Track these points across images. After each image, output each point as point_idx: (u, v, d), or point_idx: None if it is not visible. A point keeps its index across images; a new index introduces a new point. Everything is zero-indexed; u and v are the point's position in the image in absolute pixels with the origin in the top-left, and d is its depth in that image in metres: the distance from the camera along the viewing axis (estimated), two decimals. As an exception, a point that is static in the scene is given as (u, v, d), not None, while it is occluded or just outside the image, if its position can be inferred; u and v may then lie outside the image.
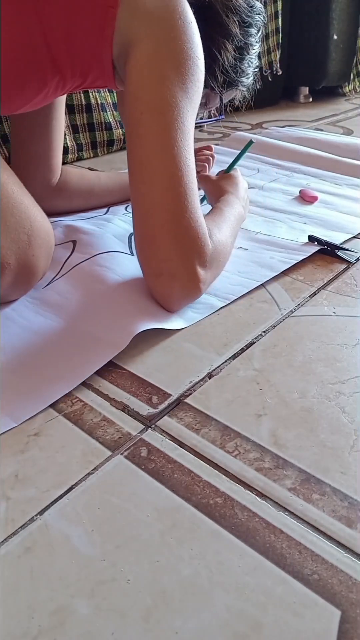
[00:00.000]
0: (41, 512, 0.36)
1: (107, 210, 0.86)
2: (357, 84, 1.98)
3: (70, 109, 1.15)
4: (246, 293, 0.62)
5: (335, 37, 1.71)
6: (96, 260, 0.66)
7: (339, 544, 0.33)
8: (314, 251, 0.71)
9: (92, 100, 1.17)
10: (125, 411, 0.45)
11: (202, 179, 0.79)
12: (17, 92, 0.56)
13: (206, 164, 0.92)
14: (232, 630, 0.29)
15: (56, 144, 0.77)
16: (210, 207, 0.72)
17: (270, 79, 1.65)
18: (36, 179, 0.77)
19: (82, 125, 1.18)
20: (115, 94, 1.24)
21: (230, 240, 0.64)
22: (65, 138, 1.14)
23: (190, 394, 0.47)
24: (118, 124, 1.23)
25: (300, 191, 0.94)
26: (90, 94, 1.17)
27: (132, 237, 0.75)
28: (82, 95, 1.15)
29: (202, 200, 0.84)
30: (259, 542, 0.34)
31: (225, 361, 0.51)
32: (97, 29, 0.53)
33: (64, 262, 0.67)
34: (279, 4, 1.58)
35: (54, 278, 0.64)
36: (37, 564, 0.33)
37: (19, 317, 0.57)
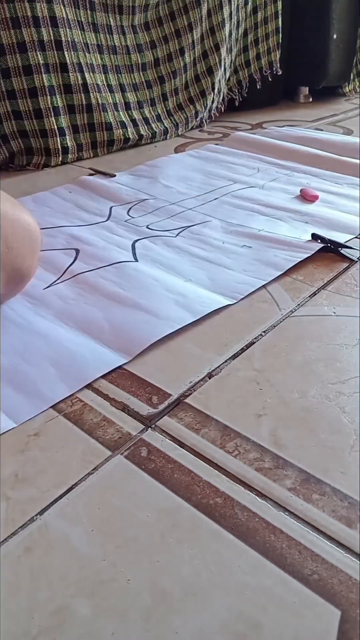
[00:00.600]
0: (41, 512, 0.36)
1: (109, 216, 0.86)
2: (357, 84, 1.98)
3: (70, 108, 1.15)
4: (246, 295, 0.62)
5: (335, 37, 1.71)
6: (100, 272, 0.66)
7: (339, 544, 0.33)
8: (317, 249, 0.71)
9: (93, 101, 1.17)
10: (125, 411, 0.45)
11: None
12: None
13: None
14: (232, 630, 0.29)
15: None
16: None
17: (270, 79, 1.65)
18: None
19: (82, 125, 1.18)
20: (115, 94, 1.24)
21: None
22: (65, 138, 1.15)
23: (190, 394, 0.47)
24: (118, 124, 1.23)
25: (301, 190, 0.94)
26: (91, 94, 1.17)
27: (136, 242, 0.75)
28: (82, 95, 1.15)
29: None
30: (259, 542, 0.34)
31: (225, 361, 0.51)
32: None
33: (66, 268, 0.67)
34: (279, 4, 1.58)
35: (54, 281, 0.64)
36: (37, 564, 0.33)
37: (18, 318, 0.57)
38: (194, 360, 0.51)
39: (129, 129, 1.25)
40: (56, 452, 0.41)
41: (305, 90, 1.86)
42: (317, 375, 0.48)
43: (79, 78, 1.15)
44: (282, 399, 0.46)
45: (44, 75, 1.09)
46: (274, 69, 1.65)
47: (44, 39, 1.07)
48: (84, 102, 1.16)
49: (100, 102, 1.19)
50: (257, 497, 0.37)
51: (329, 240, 0.72)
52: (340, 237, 0.75)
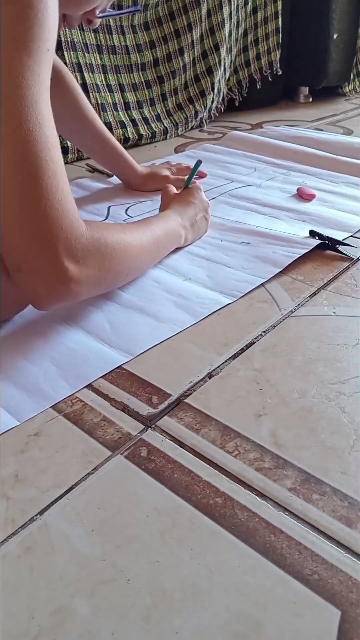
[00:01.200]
0: (41, 512, 0.36)
1: (107, 215, 0.86)
2: (357, 84, 1.98)
3: (70, 109, 1.15)
4: (246, 293, 0.62)
5: (335, 37, 1.71)
6: None
7: (339, 544, 0.33)
8: (316, 244, 0.71)
9: (93, 100, 1.17)
10: (125, 411, 0.45)
11: (163, 190, 0.76)
12: None
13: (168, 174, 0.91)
14: (232, 630, 0.29)
15: None
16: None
17: (270, 79, 1.65)
18: None
19: (82, 125, 1.18)
20: (115, 94, 1.24)
21: (136, 250, 0.57)
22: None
23: (190, 394, 0.47)
24: (118, 124, 1.23)
25: (297, 189, 0.94)
26: (91, 94, 1.17)
27: None
28: (82, 95, 1.15)
29: None
30: (259, 542, 0.34)
31: (225, 361, 0.51)
32: None
33: None
34: (279, 4, 1.58)
35: None
36: (37, 564, 0.33)
37: (20, 317, 0.57)
38: (194, 360, 0.51)
39: (128, 129, 1.25)
40: (56, 452, 0.41)
41: (305, 90, 1.86)
42: (317, 375, 0.48)
43: (79, 78, 1.15)
44: (282, 399, 0.46)
45: (43, 75, 1.08)
46: (274, 68, 1.65)
47: (44, 38, 1.07)
48: (84, 102, 1.16)
49: (99, 102, 1.19)
50: (257, 497, 0.37)
51: (327, 237, 0.72)
52: (337, 235, 0.75)
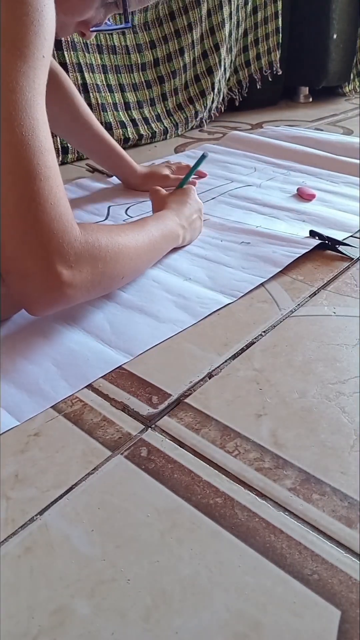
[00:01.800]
0: (41, 512, 0.36)
1: (107, 215, 0.86)
2: (357, 84, 1.98)
3: (70, 109, 1.15)
4: (246, 293, 0.62)
5: (335, 37, 1.71)
6: None
7: (339, 544, 0.33)
8: (316, 244, 0.71)
9: (93, 100, 1.17)
10: (125, 411, 0.45)
11: (152, 191, 0.76)
12: None
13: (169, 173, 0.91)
14: (232, 630, 0.29)
15: None
16: None
17: (270, 79, 1.65)
18: None
19: (82, 125, 1.18)
20: (115, 94, 1.24)
21: (132, 252, 0.56)
22: (65, 138, 1.14)
23: (190, 394, 0.47)
24: (118, 124, 1.23)
25: (297, 189, 0.94)
26: (91, 94, 1.17)
27: None
28: (82, 95, 1.15)
29: None
30: (259, 542, 0.34)
31: (225, 361, 0.51)
32: None
33: None
34: (279, 4, 1.58)
35: None
36: (37, 564, 0.33)
37: (20, 317, 0.57)
38: (194, 360, 0.51)
39: (128, 129, 1.25)
40: (56, 452, 0.41)
41: (305, 90, 1.86)
42: (317, 375, 0.48)
43: (79, 78, 1.15)
44: (282, 399, 0.46)
45: (43, 75, 1.09)
46: (274, 68, 1.65)
47: (44, 38, 1.07)
48: (84, 102, 1.16)
49: (99, 102, 1.19)
50: (257, 497, 0.37)
51: (327, 237, 0.72)
52: (337, 235, 0.75)
